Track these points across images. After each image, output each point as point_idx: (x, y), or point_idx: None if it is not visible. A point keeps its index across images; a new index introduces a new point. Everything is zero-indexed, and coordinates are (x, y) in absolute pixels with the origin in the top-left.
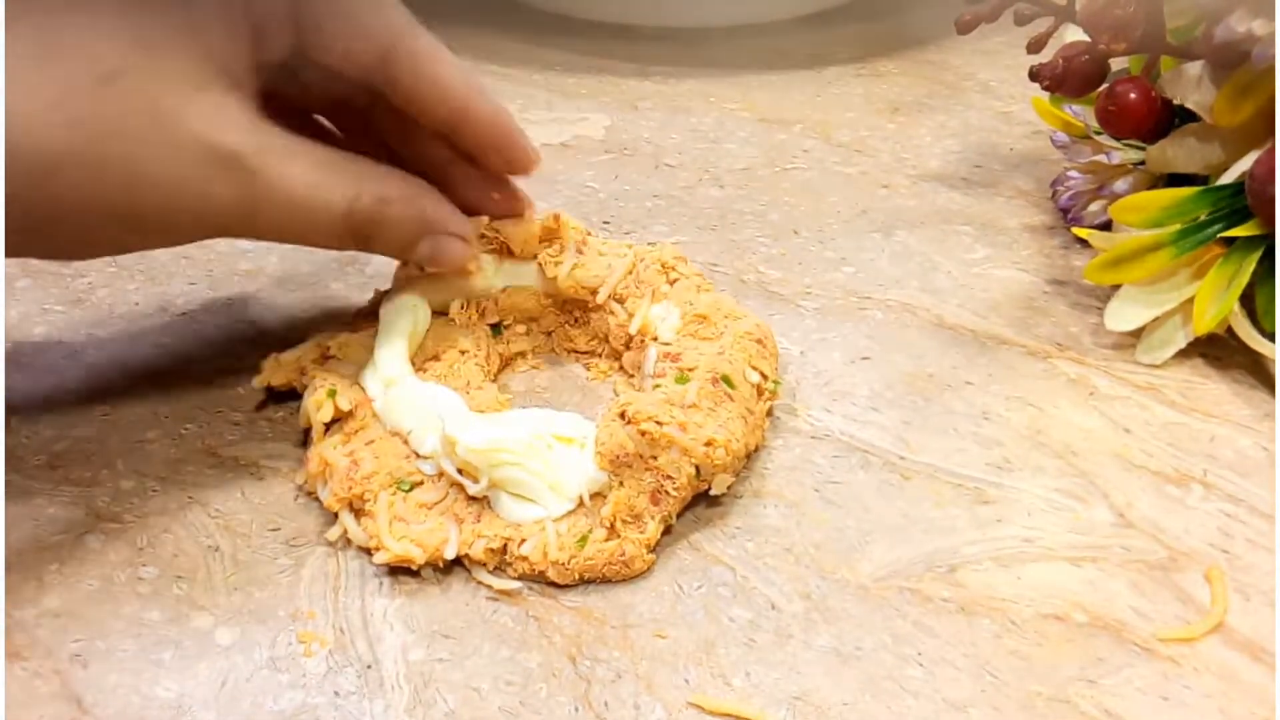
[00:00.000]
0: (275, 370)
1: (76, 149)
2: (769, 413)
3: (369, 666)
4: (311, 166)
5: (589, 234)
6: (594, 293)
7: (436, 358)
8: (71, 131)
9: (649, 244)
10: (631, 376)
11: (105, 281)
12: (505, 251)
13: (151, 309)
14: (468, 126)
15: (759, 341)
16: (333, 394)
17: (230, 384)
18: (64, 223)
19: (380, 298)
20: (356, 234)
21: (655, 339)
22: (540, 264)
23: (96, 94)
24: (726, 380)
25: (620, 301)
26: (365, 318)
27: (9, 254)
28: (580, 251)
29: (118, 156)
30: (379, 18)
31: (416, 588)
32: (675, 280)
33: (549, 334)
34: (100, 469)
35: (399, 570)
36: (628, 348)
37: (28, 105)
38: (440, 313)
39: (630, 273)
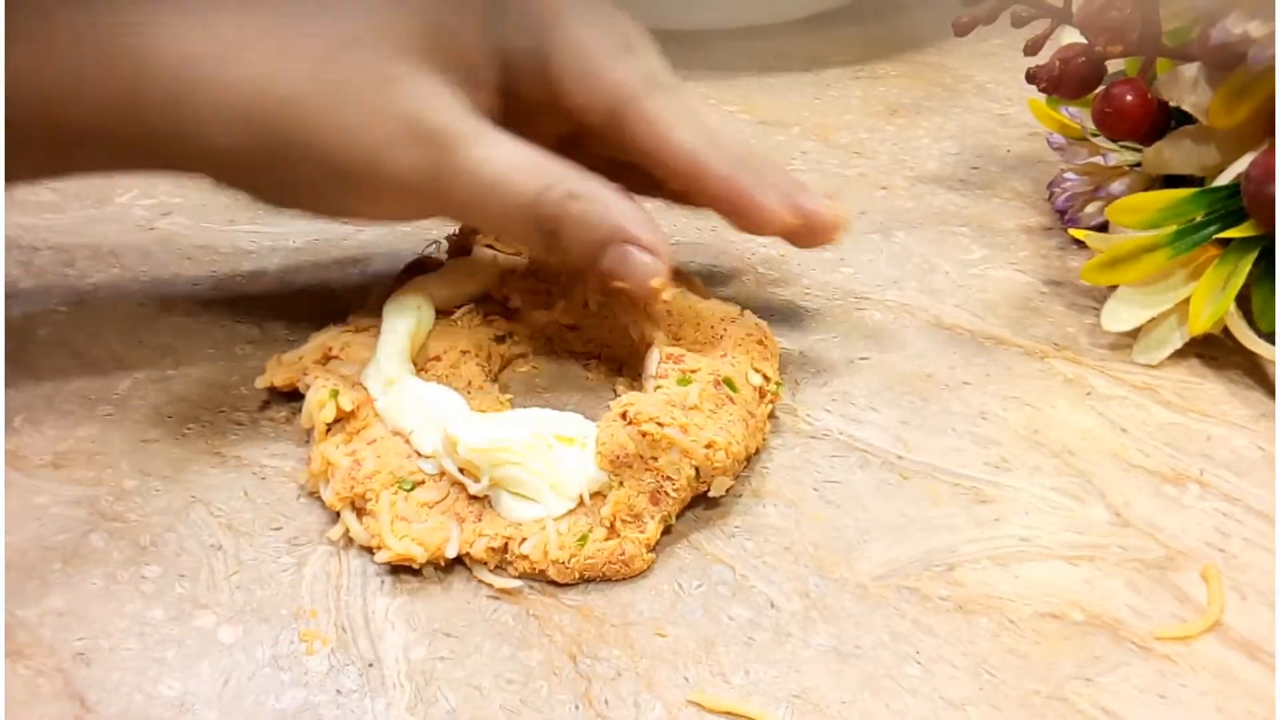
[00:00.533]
0: (277, 371)
1: (310, 100)
2: (770, 414)
3: (371, 665)
4: (508, 155)
5: None
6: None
7: (438, 358)
8: (308, 84)
9: None
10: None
11: (108, 282)
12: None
13: (155, 309)
14: (703, 190)
15: (760, 342)
16: (335, 394)
17: (233, 384)
18: (291, 167)
19: (380, 297)
20: (541, 226)
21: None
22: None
23: (334, 55)
24: (729, 383)
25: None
26: (366, 317)
27: (261, 197)
28: None
29: (337, 112)
30: (616, 73)
31: (418, 586)
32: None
33: (549, 339)
34: (103, 469)
35: (400, 569)
36: (630, 354)
37: (279, 59)
38: (443, 312)
39: None
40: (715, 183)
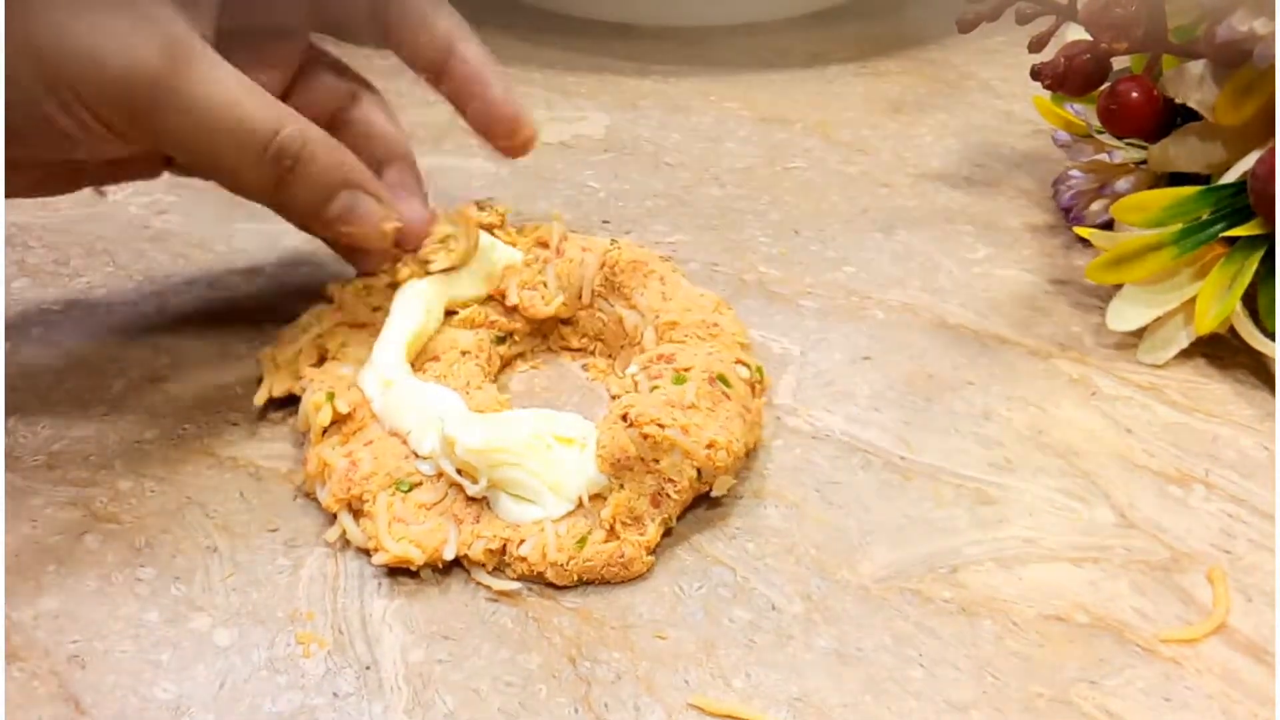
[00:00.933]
0: (275, 379)
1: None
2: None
3: (368, 667)
4: (242, 83)
5: (564, 236)
6: (576, 296)
7: (436, 358)
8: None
9: (612, 239)
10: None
11: (103, 281)
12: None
13: (149, 309)
14: (453, 70)
15: (740, 344)
16: (331, 397)
17: (229, 384)
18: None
19: (359, 284)
20: (276, 164)
21: (638, 344)
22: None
23: None
24: (723, 379)
25: (606, 299)
26: (348, 288)
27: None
28: (560, 252)
29: (68, 11)
30: (440, 22)
31: (415, 589)
32: (647, 274)
33: (544, 336)
34: (98, 469)
35: (398, 571)
36: (622, 347)
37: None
38: (448, 312)
39: (604, 266)
40: (471, 66)
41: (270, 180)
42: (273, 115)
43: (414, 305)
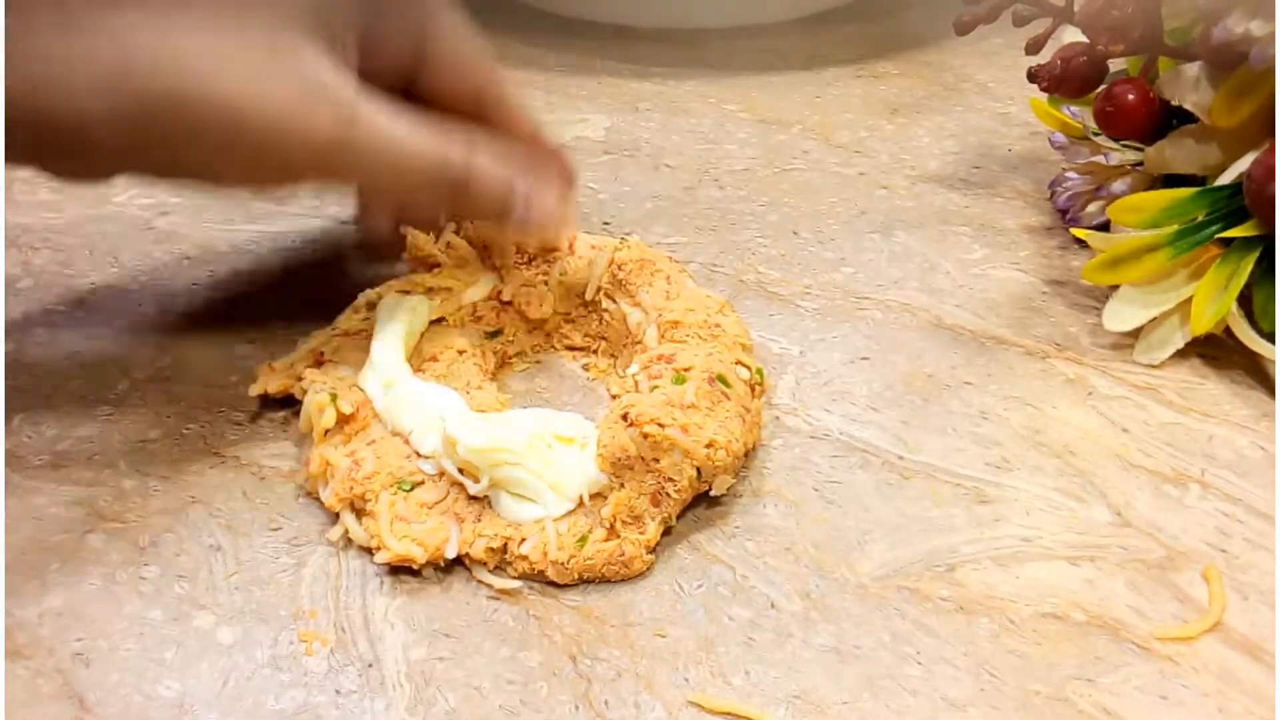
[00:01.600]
0: (270, 377)
1: (207, 63)
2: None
3: (370, 665)
4: (409, 119)
5: (574, 236)
6: (581, 294)
7: (434, 358)
8: (200, 60)
9: (621, 238)
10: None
11: (106, 282)
12: (484, 256)
13: (153, 310)
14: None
15: (742, 345)
16: (334, 398)
17: (232, 384)
18: (183, 133)
19: (368, 299)
20: (454, 184)
21: (640, 342)
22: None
23: (222, 24)
24: (722, 379)
25: (611, 298)
26: (353, 319)
27: (144, 169)
28: (572, 249)
29: (243, 75)
30: (484, 64)
31: (417, 587)
32: (654, 273)
33: (548, 334)
34: (102, 469)
35: (400, 569)
36: (625, 345)
37: (162, 35)
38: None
39: (611, 264)
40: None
41: (450, 198)
42: (437, 150)
43: (403, 307)
